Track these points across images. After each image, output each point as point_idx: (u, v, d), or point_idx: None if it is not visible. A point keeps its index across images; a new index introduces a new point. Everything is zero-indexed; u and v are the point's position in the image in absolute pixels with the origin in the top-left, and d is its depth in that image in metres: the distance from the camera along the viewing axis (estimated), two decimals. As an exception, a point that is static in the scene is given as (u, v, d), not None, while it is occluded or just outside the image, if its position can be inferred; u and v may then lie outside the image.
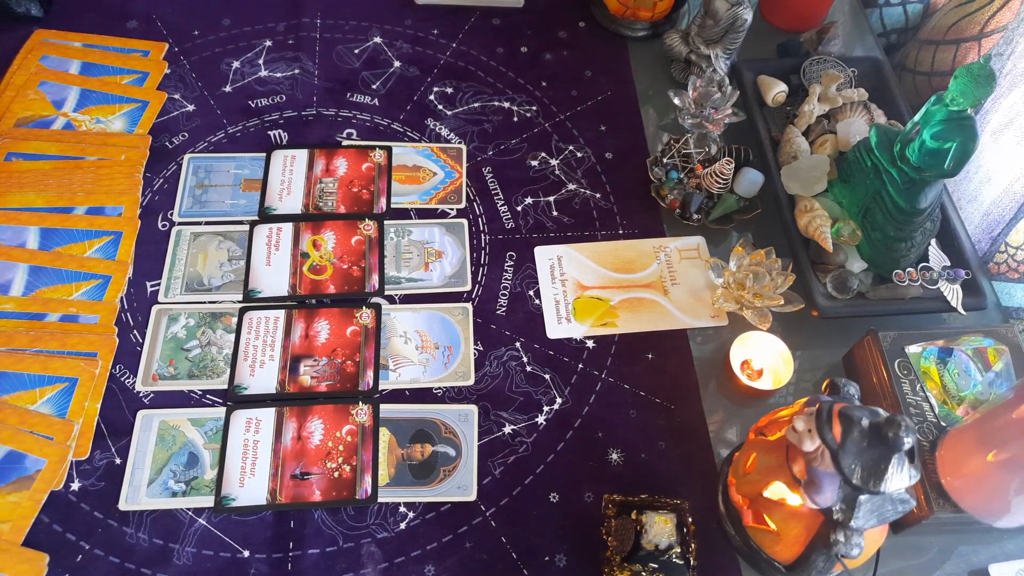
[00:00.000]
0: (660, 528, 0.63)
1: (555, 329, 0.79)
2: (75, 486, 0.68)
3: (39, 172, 0.82)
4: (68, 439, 0.69)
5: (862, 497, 0.53)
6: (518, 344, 0.78)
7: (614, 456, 0.73)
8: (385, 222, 0.84)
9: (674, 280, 0.82)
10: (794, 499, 0.57)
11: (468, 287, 0.81)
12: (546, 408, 0.75)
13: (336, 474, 0.70)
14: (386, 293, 0.80)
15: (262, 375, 0.74)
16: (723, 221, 0.84)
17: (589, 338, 0.79)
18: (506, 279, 0.82)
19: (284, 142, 0.88)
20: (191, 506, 0.68)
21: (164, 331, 0.76)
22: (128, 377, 0.73)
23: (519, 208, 0.86)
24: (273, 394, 0.73)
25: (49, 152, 0.83)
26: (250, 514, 0.68)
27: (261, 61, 0.95)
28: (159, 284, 0.78)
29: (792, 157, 0.84)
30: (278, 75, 0.94)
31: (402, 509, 0.69)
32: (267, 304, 0.78)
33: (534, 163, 0.90)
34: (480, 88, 0.95)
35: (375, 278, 0.80)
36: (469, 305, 0.79)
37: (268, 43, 0.96)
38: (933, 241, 0.79)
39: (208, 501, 0.68)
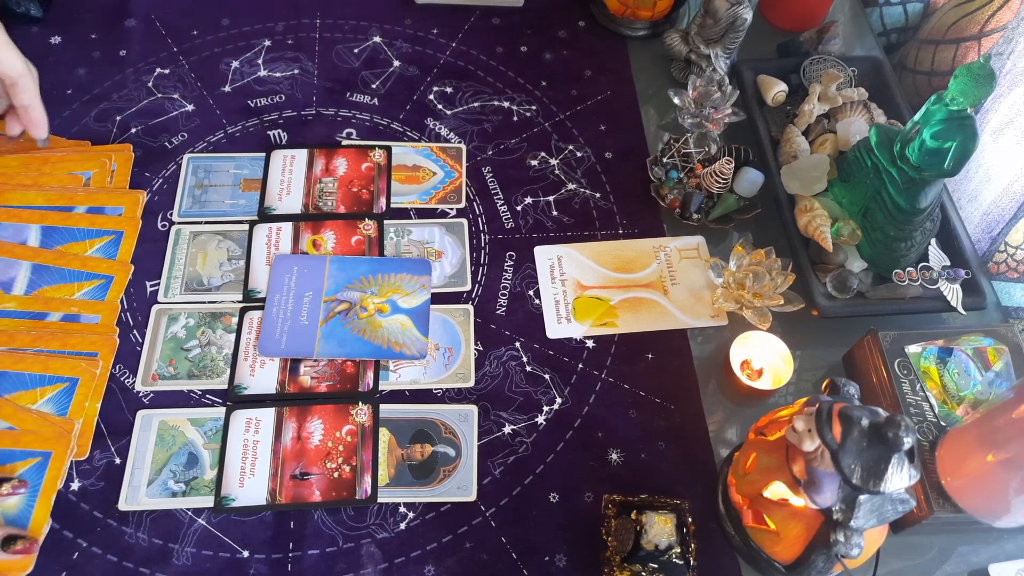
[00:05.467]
0: (660, 528, 0.63)
1: (555, 329, 0.79)
2: (75, 486, 0.68)
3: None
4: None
5: (862, 497, 0.53)
6: (518, 344, 0.78)
7: (614, 456, 0.73)
8: (385, 222, 0.84)
9: (674, 280, 0.82)
10: (794, 499, 0.57)
11: (468, 287, 0.80)
12: (546, 408, 0.75)
13: (336, 474, 0.69)
14: (386, 293, 0.80)
15: (262, 375, 0.74)
16: (723, 221, 0.84)
17: (589, 338, 0.79)
18: (506, 279, 0.82)
19: (283, 142, 0.88)
20: (191, 506, 0.68)
21: (164, 331, 0.76)
22: (128, 377, 0.73)
23: (519, 208, 0.86)
24: (273, 394, 0.73)
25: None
26: (250, 514, 0.68)
27: (260, 61, 0.95)
28: (158, 284, 0.78)
29: (792, 157, 0.84)
30: (277, 75, 0.94)
31: (402, 509, 0.69)
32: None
33: (534, 163, 0.90)
34: (480, 88, 0.95)
35: (375, 278, 0.80)
36: (470, 307, 0.79)
37: (267, 43, 0.96)
38: (933, 241, 0.79)
39: (208, 501, 0.68)
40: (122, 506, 0.67)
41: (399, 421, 0.73)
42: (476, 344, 0.77)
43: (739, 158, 0.85)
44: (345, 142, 0.89)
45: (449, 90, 0.94)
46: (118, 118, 0.88)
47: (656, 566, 0.62)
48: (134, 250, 0.80)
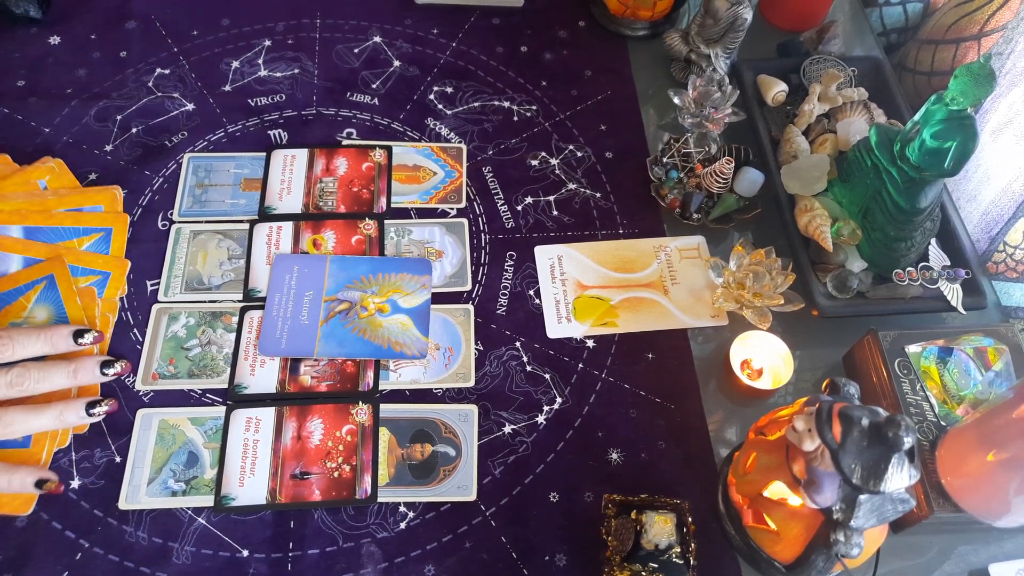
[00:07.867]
0: (660, 528, 0.63)
1: (555, 329, 0.79)
2: (75, 484, 0.68)
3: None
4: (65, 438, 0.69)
5: (862, 497, 0.53)
6: (518, 344, 0.78)
7: (614, 456, 0.73)
8: (385, 222, 0.84)
9: (674, 280, 0.82)
10: (794, 499, 0.57)
11: (468, 287, 0.81)
12: (546, 408, 0.75)
13: (336, 474, 0.69)
14: (386, 293, 0.80)
15: (262, 374, 0.74)
16: (723, 221, 0.84)
17: (589, 338, 0.79)
18: (506, 279, 0.82)
19: (284, 141, 0.88)
20: (191, 505, 0.68)
21: (164, 330, 0.76)
22: (128, 376, 0.73)
23: (519, 208, 0.86)
24: (273, 394, 0.73)
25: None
26: (250, 514, 0.68)
27: (260, 61, 0.95)
28: (159, 283, 0.78)
29: (792, 156, 0.84)
30: (278, 75, 0.94)
31: (402, 509, 0.69)
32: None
33: (534, 163, 0.90)
34: (480, 88, 0.95)
35: (375, 278, 0.80)
36: (471, 307, 0.79)
37: (267, 43, 0.96)
38: (933, 240, 0.79)
39: (208, 500, 0.68)
40: (122, 505, 0.67)
41: (399, 421, 0.73)
42: (476, 344, 0.77)
43: (739, 158, 0.85)
44: (345, 142, 0.89)
45: (449, 90, 0.94)
46: (118, 117, 0.88)
47: (656, 566, 0.62)
48: (134, 249, 0.80)
